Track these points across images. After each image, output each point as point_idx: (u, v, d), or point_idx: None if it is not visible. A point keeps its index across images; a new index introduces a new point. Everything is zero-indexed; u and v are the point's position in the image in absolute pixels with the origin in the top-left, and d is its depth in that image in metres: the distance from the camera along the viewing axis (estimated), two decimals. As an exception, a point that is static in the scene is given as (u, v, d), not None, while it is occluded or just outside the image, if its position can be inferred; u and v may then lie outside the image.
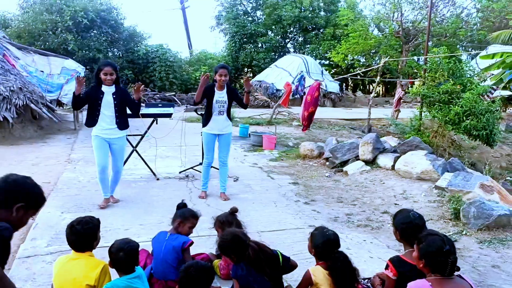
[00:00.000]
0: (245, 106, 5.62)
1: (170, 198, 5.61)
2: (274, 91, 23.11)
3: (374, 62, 17.54)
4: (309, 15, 27.23)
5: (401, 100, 16.38)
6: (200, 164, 7.02)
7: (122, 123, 5.18)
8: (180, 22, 32.03)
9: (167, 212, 4.96)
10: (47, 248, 3.96)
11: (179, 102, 19.60)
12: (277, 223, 4.79)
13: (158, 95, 19.42)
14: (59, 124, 11.50)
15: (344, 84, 25.12)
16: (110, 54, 21.53)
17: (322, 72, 24.25)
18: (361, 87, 30.77)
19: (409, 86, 17.28)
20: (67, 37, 18.89)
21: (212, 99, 5.41)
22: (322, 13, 27.88)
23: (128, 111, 5.31)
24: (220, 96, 5.43)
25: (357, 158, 7.53)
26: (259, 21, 29.25)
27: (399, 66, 16.32)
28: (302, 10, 27.37)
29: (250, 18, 29.89)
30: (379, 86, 29.95)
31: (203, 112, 6.14)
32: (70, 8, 19.48)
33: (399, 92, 16.19)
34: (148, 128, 6.77)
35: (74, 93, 4.91)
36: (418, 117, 13.98)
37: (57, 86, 10.81)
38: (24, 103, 9.08)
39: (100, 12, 20.51)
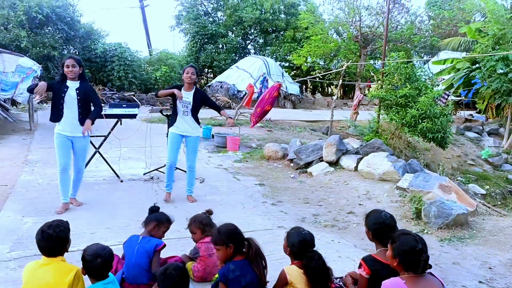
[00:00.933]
0: (219, 111, 5.63)
1: (136, 201, 5.52)
2: (235, 92, 23.15)
3: (333, 66, 17.93)
4: (270, 17, 27.47)
5: (359, 103, 16.86)
6: (163, 166, 6.99)
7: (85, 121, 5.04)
8: (139, 21, 31.43)
9: (133, 215, 4.89)
10: (9, 253, 3.79)
11: (138, 102, 19.21)
12: (246, 224, 4.81)
13: (117, 95, 18.95)
14: (13, 124, 11.00)
15: (304, 86, 25.50)
16: (65, 52, 20.77)
17: (282, 74, 24.52)
18: (320, 89, 31.39)
19: (366, 89, 17.83)
20: (19, 33, 18.03)
21: (176, 99, 5.38)
22: (282, 15, 28.20)
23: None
24: (185, 96, 5.39)
25: (320, 159, 7.69)
26: (219, 22, 29.20)
27: (358, 70, 16.78)
28: (263, 12, 27.58)
29: (211, 19, 29.79)
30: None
31: (168, 113, 6.08)
32: (24, 3, 18.62)
33: (357, 95, 16.67)
34: (112, 129, 6.61)
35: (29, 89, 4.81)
36: (376, 119, 14.48)
37: (12, 85, 10.31)
38: (-24, 102, 8.61)
39: (55, 8, 19.72)
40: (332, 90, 29.48)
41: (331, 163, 7.40)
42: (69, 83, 4.91)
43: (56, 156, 4.99)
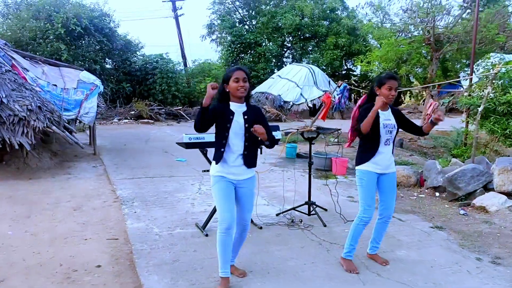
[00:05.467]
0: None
1: (312, 265, 3.98)
2: (282, 103, 21.68)
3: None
4: (310, 22, 26.05)
5: (434, 111, 15.21)
6: (305, 204, 5.47)
7: (252, 157, 3.54)
8: (173, 31, 30.03)
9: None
10: None
11: (186, 117, 17.83)
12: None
13: (163, 110, 17.58)
14: (74, 149, 9.62)
15: (353, 95, 23.99)
16: (106, 65, 19.54)
17: (329, 83, 23.02)
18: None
19: (435, 96, 16.23)
20: (59, 46, 16.82)
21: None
22: (323, 21, 26.76)
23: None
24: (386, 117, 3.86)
25: (485, 187, 6.10)
26: (255, 30, 27.84)
27: (429, 75, 15.22)
28: (302, 18, 26.19)
29: (246, 27, 28.48)
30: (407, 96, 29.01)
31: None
32: (61, 14, 17.46)
33: (431, 103, 15.05)
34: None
35: (201, 105, 3.24)
36: (465, 130, 12.82)
37: (75, 103, 8.92)
38: (45, 125, 7.21)
39: (93, 19, 18.56)
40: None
41: (508, 195, 5.79)
42: (233, 106, 3.43)
43: (218, 208, 3.45)
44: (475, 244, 4.62)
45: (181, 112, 17.76)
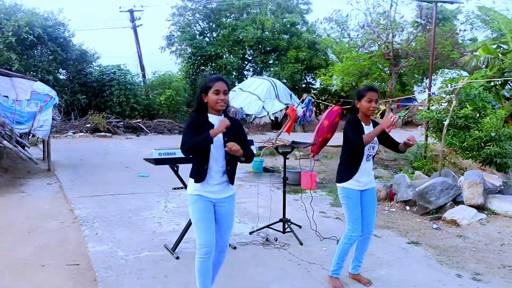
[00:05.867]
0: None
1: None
2: (244, 115, 21.52)
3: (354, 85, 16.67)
4: (271, 36, 26.20)
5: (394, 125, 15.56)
6: (280, 221, 5.27)
7: (234, 173, 3.30)
8: (131, 42, 29.16)
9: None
10: None
11: (146, 130, 17.28)
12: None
13: (122, 123, 16.94)
14: (27, 164, 8.96)
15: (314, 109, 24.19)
16: (61, 76, 18.65)
17: (291, 96, 23.14)
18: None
19: (394, 109, 16.64)
20: (10, 56, 15.89)
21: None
22: (283, 35, 27.00)
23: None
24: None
25: (454, 201, 6.14)
26: (216, 42, 27.67)
27: (389, 89, 15.58)
28: (263, 32, 26.30)
29: (207, 39, 28.27)
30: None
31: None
32: (12, 22, 16.52)
33: (391, 115, 15.36)
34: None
35: (208, 136, 2.96)
36: (425, 143, 13.12)
37: (28, 116, 8.31)
38: (-5, 140, 6.64)
39: (46, 28, 17.70)
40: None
41: (475, 207, 5.84)
42: (212, 118, 3.18)
43: (196, 230, 3.17)
44: (453, 259, 4.56)
45: (141, 125, 17.19)
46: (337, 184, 3.76)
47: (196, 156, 3.15)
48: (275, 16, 26.80)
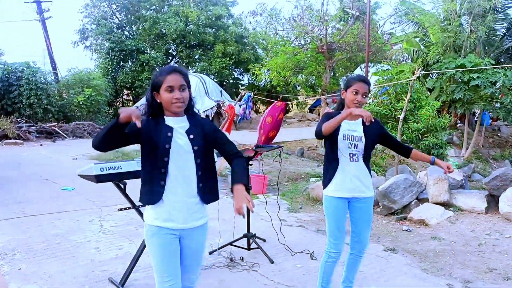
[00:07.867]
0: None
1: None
2: (170, 115, 20.39)
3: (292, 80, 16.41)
4: (196, 29, 25.20)
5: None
6: (244, 237, 4.59)
7: (211, 188, 2.50)
8: (37, 36, 26.48)
9: None
10: None
11: (63, 134, 15.55)
12: None
13: (34, 127, 15.05)
14: None
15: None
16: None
17: (221, 92, 22.39)
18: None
19: (330, 104, 16.64)
20: None
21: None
22: (209, 29, 26.12)
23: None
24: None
25: (417, 198, 5.88)
26: (137, 36, 26.04)
27: (323, 83, 15.49)
28: (187, 25, 25.21)
29: (126, 33, 26.51)
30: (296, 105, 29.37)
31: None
32: None
33: (326, 110, 15.32)
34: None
35: (115, 117, 2.11)
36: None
37: None
38: None
39: None
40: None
41: (442, 204, 5.60)
42: (170, 121, 2.37)
43: (156, 269, 2.37)
44: (436, 266, 4.21)
45: (56, 129, 15.40)
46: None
47: (147, 171, 2.35)
48: (200, 9, 25.81)
